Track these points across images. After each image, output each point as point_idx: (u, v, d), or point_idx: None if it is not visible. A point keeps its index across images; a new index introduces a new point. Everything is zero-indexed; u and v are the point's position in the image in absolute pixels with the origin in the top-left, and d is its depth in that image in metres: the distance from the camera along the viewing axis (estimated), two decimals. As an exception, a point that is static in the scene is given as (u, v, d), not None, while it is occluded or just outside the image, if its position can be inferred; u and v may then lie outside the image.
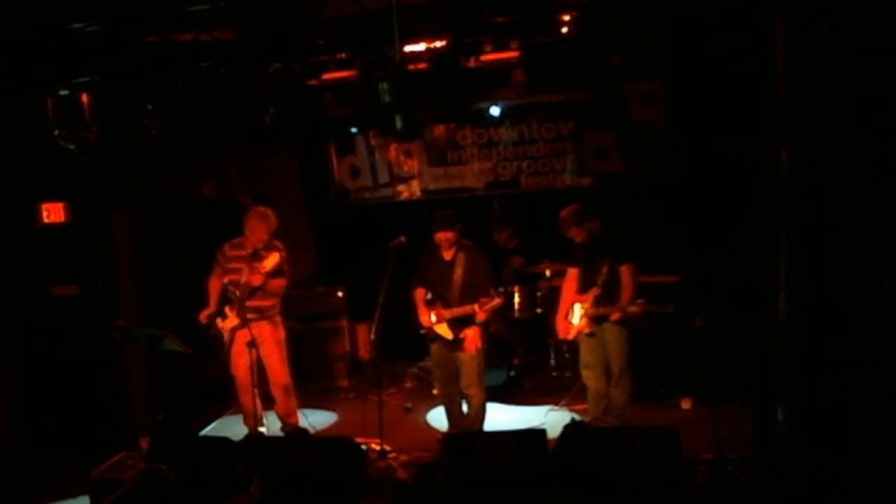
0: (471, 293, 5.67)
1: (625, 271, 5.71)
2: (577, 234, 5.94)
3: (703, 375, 6.06)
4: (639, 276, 5.81)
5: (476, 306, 5.61)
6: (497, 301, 5.61)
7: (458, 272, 5.79)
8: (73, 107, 5.62)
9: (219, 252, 6.21)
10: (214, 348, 6.23)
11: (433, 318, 5.81)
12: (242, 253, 6.14)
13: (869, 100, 3.84)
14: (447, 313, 5.75)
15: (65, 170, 6.18)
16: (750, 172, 5.21)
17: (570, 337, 6.01)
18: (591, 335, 5.85)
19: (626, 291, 5.69)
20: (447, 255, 5.83)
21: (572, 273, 6.06)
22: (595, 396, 5.97)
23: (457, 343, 5.77)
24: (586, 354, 5.95)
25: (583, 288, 5.89)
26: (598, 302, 5.75)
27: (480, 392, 5.87)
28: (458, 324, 5.74)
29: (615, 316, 5.69)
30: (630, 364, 5.82)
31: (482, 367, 5.87)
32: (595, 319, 5.80)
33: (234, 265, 6.13)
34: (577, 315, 5.89)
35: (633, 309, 5.61)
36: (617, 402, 5.87)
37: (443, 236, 5.74)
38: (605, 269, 5.70)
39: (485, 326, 5.85)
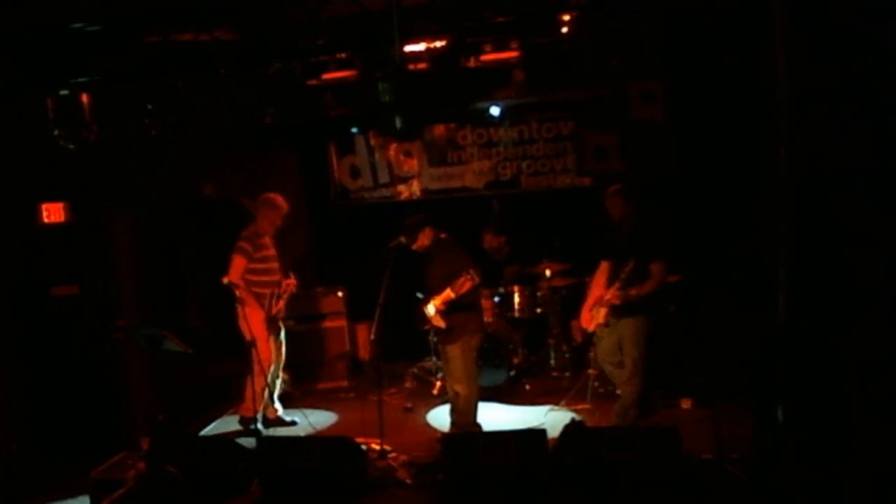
0: (450, 282, 5.74)
1: (656, 268, 5.70)
2: (619, 210, 5.90)
3: (703, 375, 6.07)
4: (667, 276, 5.79)
5: (449, 289, 5.70)
6: (467, 283, 5.66)
7: (436, 265, 5.89)
8: (73, 107, 5.62)
9: (249, 242, 6.40)
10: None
11: (429, 311, 5.89)
12: (264, 242, 6.47)
13: (868, 99, 3.84)
14: (434, 303, 5.84)
15: (65, 170, 6.17)
16: (750, 172, 5.21)
17: (591, 328, 6.02)
18: (606, 325, 5.87)
19: (649, 284, 5.67)
20: (426, 251, 5.96)
21: (604, 266, 6.05)
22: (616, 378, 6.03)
23: (450, 332, 5.85)
24: (602, 349, 5.99)
25: (610, 281, 5.90)
26: (619, 296, 5.76)
27: (466, 388, 5.89)
28: (447, 313, 5.80)
29: (614, 298, 5.71)
30: (644, 364, 5.79)
31: (469, 364, 5.89)
32: (614, 312, 5.81)
33: (263, 254, 6.45)
34: (598, 307, 5.93)
35: (632, 293, 5.64)
36: (624, 401, 5.88)
37: (414, 244, 5.88)
38: (630, 267, 5.66)
39: (467, 308, 5.86)
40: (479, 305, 6.11)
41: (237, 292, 6.24)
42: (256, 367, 6.22)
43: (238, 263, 6.33)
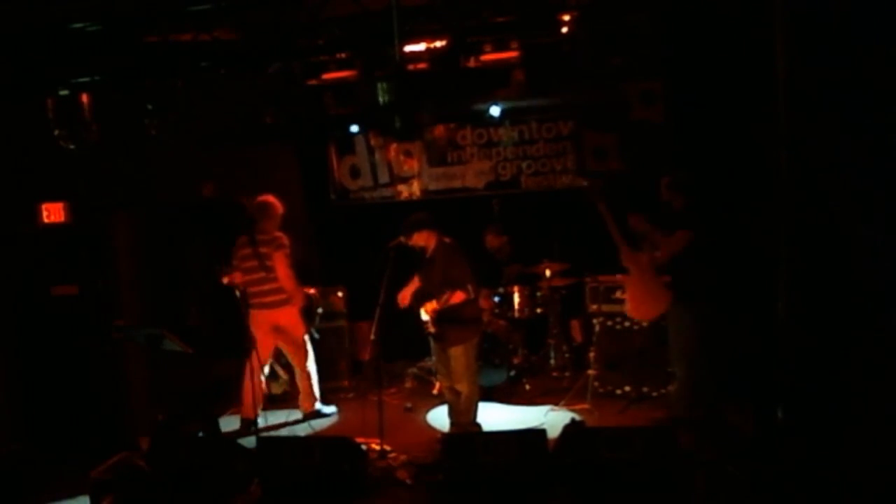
0: (448, 289, 5.74)
1: (680, 233, 5.69)
2: (675, 200, 5.91)
3: (703, 375, 6.06)
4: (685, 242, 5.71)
5: (435, 301, 5.72)
6: (457, 296, 5.68)
7: (437, 269, 5.86)
8: (73, 107, 5.62)
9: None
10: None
11: (423, 314, 5.89)
12: None
13: (868, 99, 3.84)
14: (426, 309, 5.86)
15: (65, 170, 6.18)
16: (749, 172, 5.21)
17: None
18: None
19: (669, 245, 5.69)
20: (428, 253, 5.93)
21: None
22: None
23: (440, 338, 5.88)
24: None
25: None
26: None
27: (468, 387, 5.91)
28: (440, 320, 5.81)
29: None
30: (689, 355, 5.71)
31: (471, 363, 5.90)
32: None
33: None
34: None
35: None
36: (675, 390, 5.87)
37: (409, 241, 5.85)
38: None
39: (465, 322, 5.86)
40: (479, 310, 6.12)
41: (289, 294, 6.43)
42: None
43: (289, 264, 6.45)
